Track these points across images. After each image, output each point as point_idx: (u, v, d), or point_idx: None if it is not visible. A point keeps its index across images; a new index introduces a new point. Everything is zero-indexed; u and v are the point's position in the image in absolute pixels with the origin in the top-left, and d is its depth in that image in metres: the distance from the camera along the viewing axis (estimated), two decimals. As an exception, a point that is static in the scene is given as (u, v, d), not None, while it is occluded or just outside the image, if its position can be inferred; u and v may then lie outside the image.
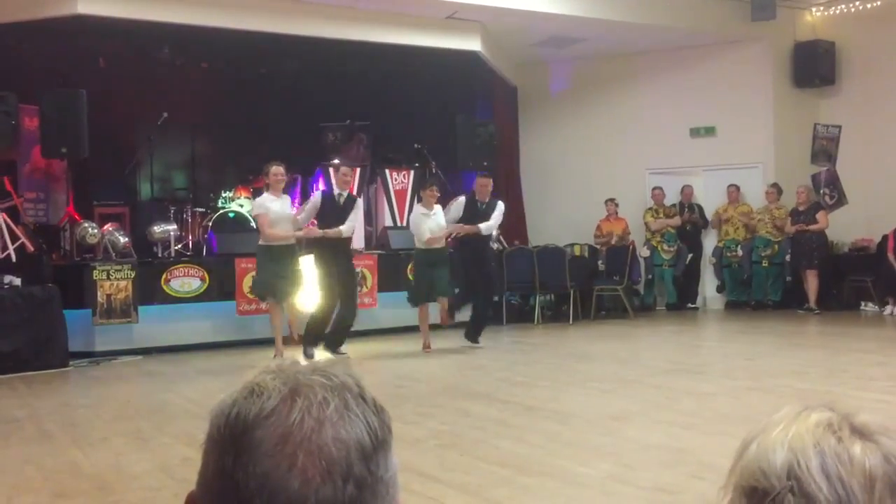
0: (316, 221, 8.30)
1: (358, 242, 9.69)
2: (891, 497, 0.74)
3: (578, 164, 12.74)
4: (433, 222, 8.44)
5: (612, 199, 12.06)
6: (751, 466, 0.78)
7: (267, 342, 9.08)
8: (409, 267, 9.27)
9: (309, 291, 8.44)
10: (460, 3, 10.31)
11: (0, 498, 3.87)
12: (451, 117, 11.30)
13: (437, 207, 8.60)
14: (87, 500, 3.79)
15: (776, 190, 11.69)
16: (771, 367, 7.06)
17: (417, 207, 8.85)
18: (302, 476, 0.71)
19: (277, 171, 8.01)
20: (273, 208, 7.90)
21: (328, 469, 0.71)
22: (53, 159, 9.67)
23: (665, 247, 12.05)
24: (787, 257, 11.39)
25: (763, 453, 0.78)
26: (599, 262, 11.82)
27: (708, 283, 12.42)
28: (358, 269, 9.00)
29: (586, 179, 12.59)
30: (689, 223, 12.20)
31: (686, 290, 12.27)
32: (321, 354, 8.02)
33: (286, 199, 8.27)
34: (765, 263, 11.61)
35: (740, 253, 11.81)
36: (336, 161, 10.63)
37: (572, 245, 11.88)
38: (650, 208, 12.25)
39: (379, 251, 10.22)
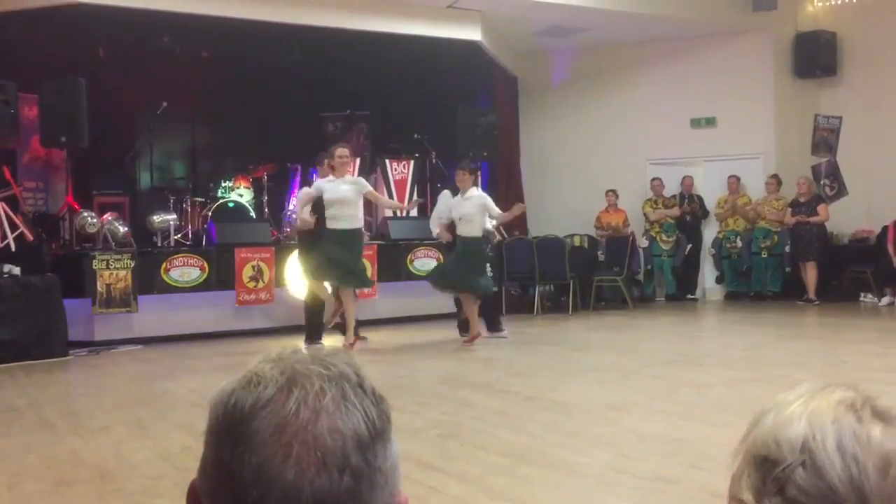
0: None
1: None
2: None
3: (579, 154, 12.72)
4: (457, 208, 8.21)
5: (612, 190, 12.05)
6: (765, 436, 0.77)
7: (266, 332, 9.11)
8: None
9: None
10: (460, -8, 10.29)
11: (1, 486, 3.88)
12: (452, 107, 11.27)
13: (476, 193, 8.25)
14: (87, 489, 3.80)
15: (776, 181, 11.68)
16: (770, 357, 7.07)
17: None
18: (297, 467, 0.70)
19: (343, 153, 7.84)
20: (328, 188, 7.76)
21: (324, 460, 0.71)
22: (53, 148, 9.66)
23: (664, 237, 12.05)
24: (787, 248, 11.40)
25: (780, 424, 0.77)
26: (599, 252, 11.83)
27: (707, 274, 12.42)
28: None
29: (586, 170, 12.58)
30: (688, 214, 12.19)
31: (685, 281, 12.27)
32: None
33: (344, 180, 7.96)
34: (764, 254, 11.61)
35: (740, 244, 11.80)
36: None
37: (572, 235, 11.88)
38: (649, 199, 12.25)
39: (379, 241, 10.22)
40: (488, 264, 8.66)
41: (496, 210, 8.31)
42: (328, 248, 7.72)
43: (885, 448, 0.74)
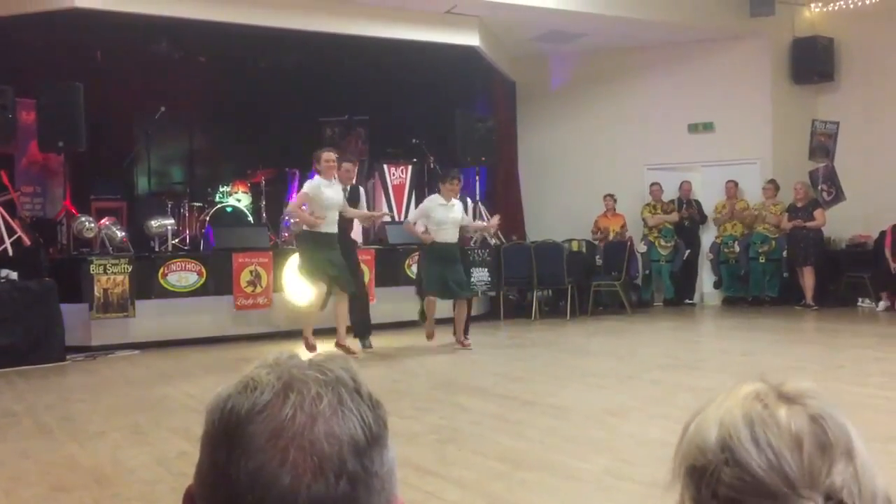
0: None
1: (356, 237, 9.70)
2: (820, 455, 0.75)
3: (577, 159, 12.74)
4: (444, 213, 8.25)
5: (610, 195, 12.06)
6: (689, 447, 0.80)
7: (264, 337, 9.10)
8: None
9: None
10: (459, -3, 10.31)
11: (-3, 492, 3.87)
12: (450, 112, 11.29)
13: (457, 201, 8.41)
14: (84, 494, 3.79)
15: (773, 186, 11.70)
16: (768, 362, 7.07)
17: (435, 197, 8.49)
18: (293, 472, 0.70)
19: (329, 156, 7.69)
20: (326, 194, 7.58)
21: (320, 465, 0.71)
22: (50, 153, 9.66)
23: (662, 242, 12.05)
24: (784, 253, 11.41)
25: (699, 432, 0.80)
26: (597, 257, 11.83)
27: (705, 279, 12.42)
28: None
29: (584, 175, 12.59)
30: (686, 218, 12.20)
31: (683, 286, 12.27)
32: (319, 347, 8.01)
33: (338, 185, 7.81)
34: (762, 259, 11.62)
35: (737, 249, 11.81)
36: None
37: (570, 240, 11.88)
38: (648, 204, 12.25)
39: (377, 246, 10.22)
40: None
41: (468, 217, 8.79)
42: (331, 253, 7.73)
43: (794, 428, 0.76)
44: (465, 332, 8.55)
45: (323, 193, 7.57)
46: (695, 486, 0.78)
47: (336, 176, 7.82)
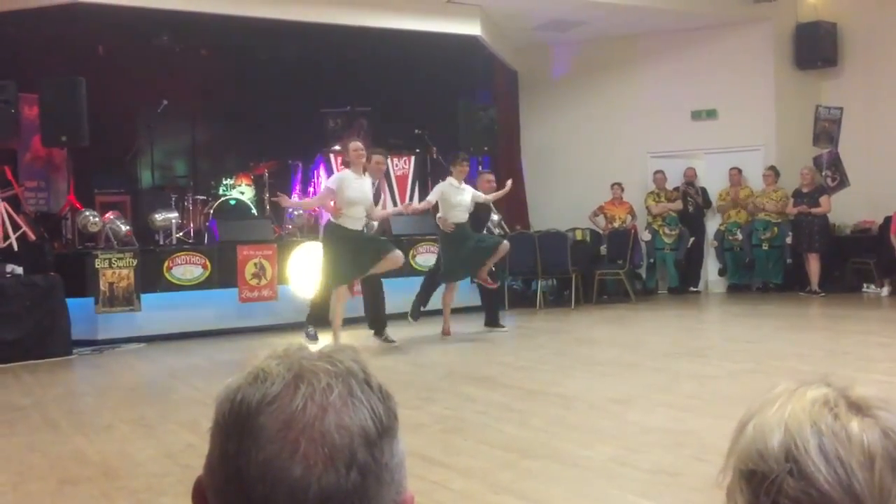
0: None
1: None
2: (891, 473, 0.73)
3: (580, 148, 12.71)
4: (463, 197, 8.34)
5: (617, 183, 12.03)
6: (748, 449, 0.77)
7: (269, 329, 9.12)
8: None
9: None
10: (460, -13, 10.28)
11: (6, 485, 3.89)
12: (452, 102, 11.26)
13: (466, 184, 8.49)
14: (92, 487, 3.81)
15: (773, 172, 11.66)
16: (773, 349, 7.07)
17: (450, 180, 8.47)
18: (304, 463, 0.71)
19: (356, 146, 7.54)
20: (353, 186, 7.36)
21: (331, 456, 0.71)
22: (54, 148, 9.67)
23: (666, 230, 12.03)
24: (788, 239, 11.38)
25: (760, 435, 0.77)
26: (601, 246, 11.82)
27: (710, 267, 12.41)
28: None
29: (588, 163, 12.56)
30: (691, 200, 12.14)
31: (688, 274, 12.26)
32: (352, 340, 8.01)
33: (367, 179, 7.63)
34: (765, 246, 11.59)
35: (740, 236, 11.79)
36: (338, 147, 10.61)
37: (574, 229, 11.86)
38: (651, 192, 12.23)
39: (380, 237, 10.19)
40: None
41: (482, 195, 8.79)
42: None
43: (866, 442, 0.73)
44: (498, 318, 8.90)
45: (349, 185, 7.30)
46: (752, 491, 0.75)
47: (365, 168, 7.57)
